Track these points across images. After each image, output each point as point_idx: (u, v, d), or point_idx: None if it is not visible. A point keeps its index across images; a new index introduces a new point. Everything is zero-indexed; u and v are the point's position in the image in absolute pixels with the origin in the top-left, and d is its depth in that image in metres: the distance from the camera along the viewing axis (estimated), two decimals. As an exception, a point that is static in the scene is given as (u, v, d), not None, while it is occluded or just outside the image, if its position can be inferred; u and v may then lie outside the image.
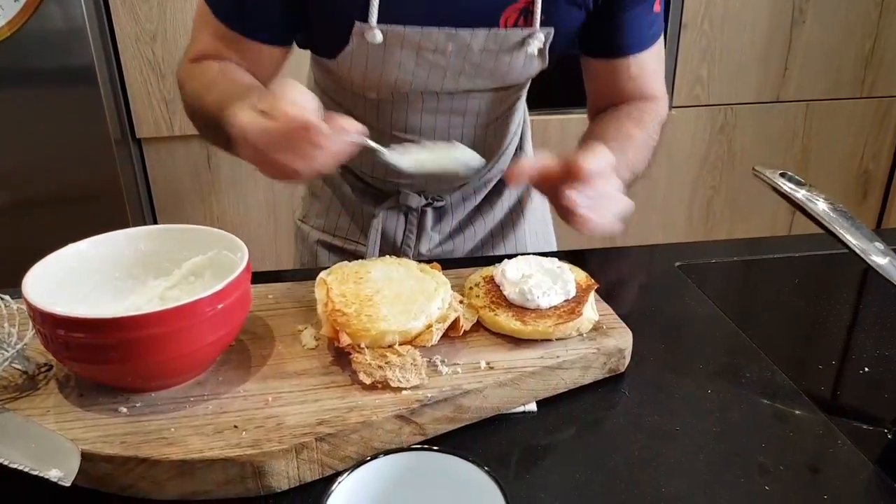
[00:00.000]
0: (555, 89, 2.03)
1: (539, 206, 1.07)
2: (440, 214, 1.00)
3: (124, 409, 0.55)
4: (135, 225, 1.71)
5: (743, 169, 2.16)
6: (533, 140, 1.10)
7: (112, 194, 1.74)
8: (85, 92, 1.65)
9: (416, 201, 0.96)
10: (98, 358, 0.54)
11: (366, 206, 0.98)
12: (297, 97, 0.60)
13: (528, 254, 0.75)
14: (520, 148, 1.06)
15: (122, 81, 1.76)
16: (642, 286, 0.87)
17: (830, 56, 2.07)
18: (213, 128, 0.72)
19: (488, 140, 0.96)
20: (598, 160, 0.65)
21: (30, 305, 0.54)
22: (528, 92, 1.01)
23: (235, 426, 0.53)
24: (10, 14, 1.55)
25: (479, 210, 1.02)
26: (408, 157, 0.68)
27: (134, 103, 1.78)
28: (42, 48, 1.60)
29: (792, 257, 0.91)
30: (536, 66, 0.86)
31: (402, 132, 0.91)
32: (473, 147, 0.91)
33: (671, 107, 2.04)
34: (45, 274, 0.58)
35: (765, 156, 2.15)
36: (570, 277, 0.68)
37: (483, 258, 1.00)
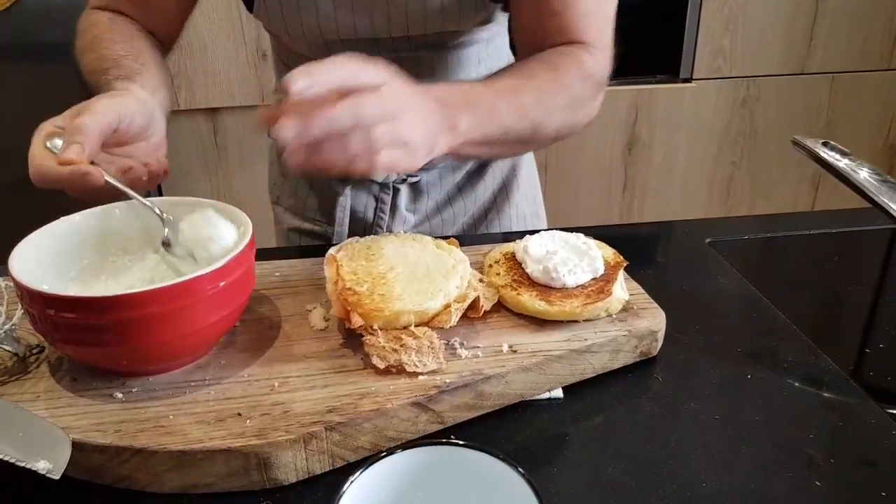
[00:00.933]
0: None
1: (528, 188, 0.98)
2: (415, 193, 0.91)
3: (120, 395, 0.51)
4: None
5: (765, 144, 2.09)
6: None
7: (116, 170, 1.69)
8: (86, 64, 1.60)
9: (381, 177, 0.87)
10: (91, 340, 0.50)
11: (334, 183, 0.90)
12: (32, 156, 0.58)
13: (553, 229, 0.70)
14: None
15: (124, 53, 1.71)
16: (671, 264, 0.82)
17: (857, 27, 1.99)
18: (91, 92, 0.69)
19: None
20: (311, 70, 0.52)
21: (17, 283, 0.50)
22: None
23: (239, 414, 0.49)
24: None
25: (459, 191, 0.93)
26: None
27: (137, 76, 1.73)
28: (43, 19, 1.55)
29: (828, 233, 0.86)
30: (479, 7, 0.76)
31: None
32: None
33: (690, 78, 1.97)
34: (35, 250, 0.54)
35: (788, 130, 2.08)
36: (598, 254, 0.63)
37: (504, 234, 0.94)
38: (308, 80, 0.51)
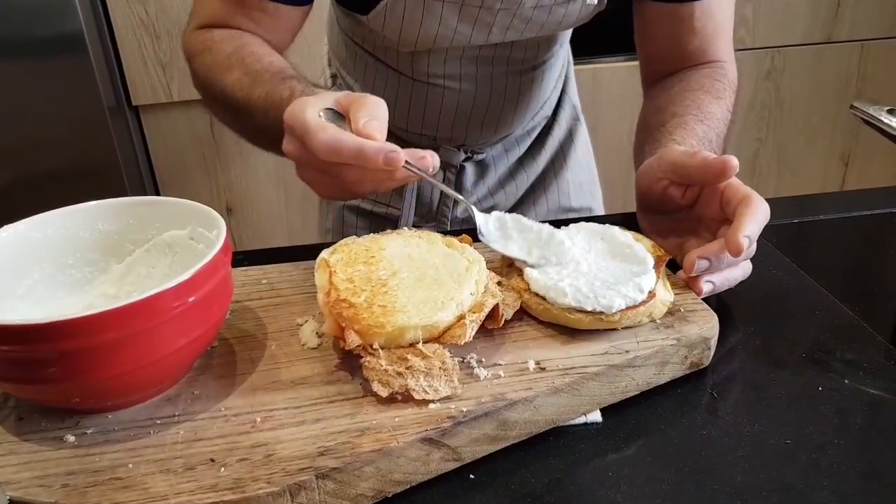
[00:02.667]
0: (598, 36, 1.88)
1: (584, 156, 0.96)
2: (481, 170, 0.89)
3: (72, 438, 0.43)
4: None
5: (792, 118, 1.97)
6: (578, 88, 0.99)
7: (109, 168, 1.61)
8: (75, 58, 1.52)
9: (455, 158, 0.85)
10: (34, 376, 0.41)
11: None
12: (318, 127, 0.52)
13: (571, 220, 0.60)
14: (563, 94, 0.95)
15: (113, 44, 1.62)
16: (714, 254, 0.72)
17: (888, -11, 1.87)
18: (235, 110, 0.65)
19: (531, 87, 0.86)
20: (753, 225, 0.53)
21: (-57, 308, 0.41)
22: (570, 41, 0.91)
23: (212, 459, 0.40)
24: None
25: (520, 163, 0.91)
26: (494, 228, 0.58)
27: (128, 67, 1.64)
28: (26, 14, 1.47)
29: (893, 213, 0.76)
30: (592, 11, 0.76)
31: (438, 79, 0.81)
32: (519, 94, 0.82)
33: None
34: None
35: (815, 102, 1.96)
36: (647, 259, 0.53)
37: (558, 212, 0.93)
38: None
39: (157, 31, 1.63)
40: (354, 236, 0.58)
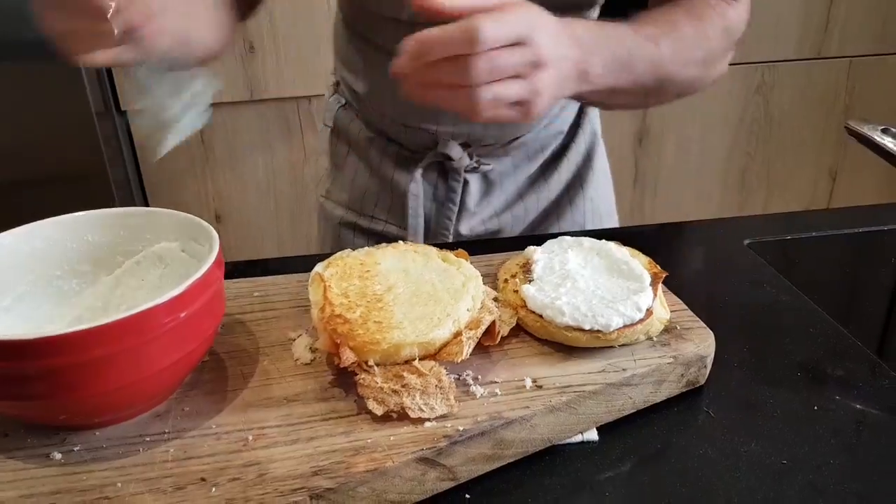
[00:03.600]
0: None
1: (602, 184, 0.90)
2: (487, 186, 0.83)
3: (58, 456, 0.42)
4: (123, 205, 1.57)
5: (781, 132, 1.99)
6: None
7: (95, 174, 1.59)
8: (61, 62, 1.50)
9: (457, 153, 0.79)
10: (19, 392, 0.40)
11: (398, 174, 0.82)
12: None
13: (564, 233, 0.60)
14: (582, 114, 0.87)
15: (102, 48, 1.61)
16: (708, 270, 0.72)
17: (876, 8, 1.89)
18: None
19: None
20: None
21: (-72, 321, 0.40)
22: None
23: (203, 479, 0.40)
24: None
25: (531, 184, 0.85)
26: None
27: (116, 71, 1.63)
28: (11, 17, 1.45)
29: (882, 231, 0.76)
30: None
31: None
32: None
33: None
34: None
35: (804, 117, 1.98)
36: (643, 276, 0.53)
37: (521, 238, 0.83)
38: None
39: (147, 37, 1.62)
40: (349, 249, 0.57)
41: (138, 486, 0.39)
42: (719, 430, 0.48)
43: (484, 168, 0.81)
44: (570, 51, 0.53)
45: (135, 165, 1.74)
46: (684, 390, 0.51)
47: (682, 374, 0.50)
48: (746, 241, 0.74)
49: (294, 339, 0.52)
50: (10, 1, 1.44)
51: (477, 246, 0.69)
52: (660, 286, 0.54)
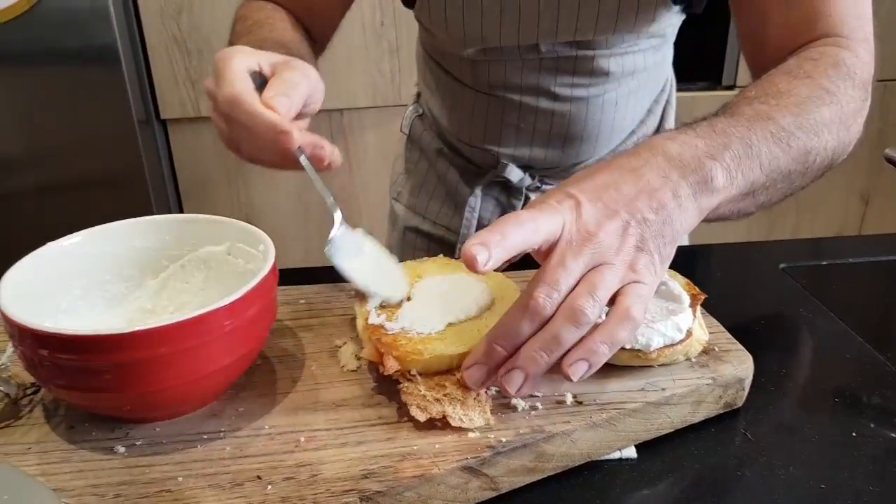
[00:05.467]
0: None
1: None
2: None
3: (122, 449, 0.44)
4: (158, 212, 1.61)
5: (811, 157, 1.98)
6: (677, 121, 0.89)
7: (135, 179, 1.64)
8: (107, 70, 1.55)
9: (516, 176, 0.80)
10: (90, 384, 0.43)
11: (462, 186, 0.85)
12: (232, 78, 0.52)
13: None
14: (659, 131, 0.86)
15: (146, 59, 1.66)
16: (744, 294, 0.73)
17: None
18: None
19: (602, 111, 0.77)
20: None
21: (6, 318, 0.43)
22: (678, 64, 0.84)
23: (259, 476, 0.41)
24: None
25: None
26: (350, 247, 0.55)
27: (158, 82, 1.68)
28: (62, 24, 1.51)
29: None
30: (659, 12, 0.69)
31: (499, 90, 0.78)
32: (588, 115, 0.75)
33: (734, 86, 1.88)
34: (23, 278, 0.47)
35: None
36: (682, 297, 0.54)
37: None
38: (485, 252, 0.42)
39: (188, 49, 1.67)
40: (395, 262, 0.59)
41: (198, 481, 0.41)
42: (757, 452, 0.49)
43: (546, 187, 0.82)
44: (660, 191, 0.46)
45: (171, 172, 1.78)
46: (721, 412, 0.52)
47: (720, 396, 0.51)
48: (782, 266, 0.74)
49: (340, 347, 0.54)
50: (57, 9, 1.49)
51: (522, 261, 0.70)
52: (698, 308, 0.55)
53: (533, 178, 0.82)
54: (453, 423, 0.45)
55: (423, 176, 0.90)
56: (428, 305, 0.51)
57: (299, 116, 0.55)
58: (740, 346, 0.54)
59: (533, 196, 0.82)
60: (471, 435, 0.44)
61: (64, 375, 0.43)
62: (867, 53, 0.59)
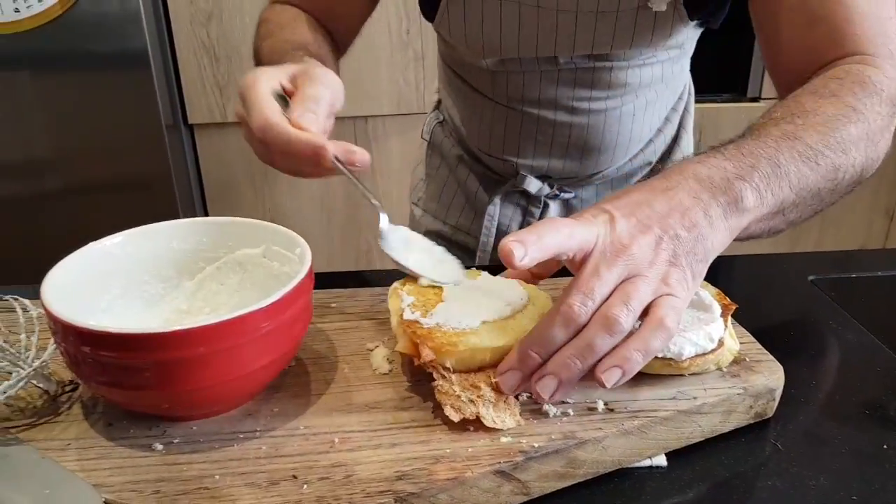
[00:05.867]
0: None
1: None
2: (566, 210, 0.85)
3: (160, 446, 0.45)
4: (184, 215, 1.64)
5: (836, 169, 1.96)
6: (701, 132, 0.92)
7: (162, 182, 1.67)
8: (137, 75, 1.58)
9: (535, 186, 0.82)
10: (131, 382, 0.43)
11: (481, 193, 0.86)
12: (261, 106, 0.54)
13: None
14: (675, 144, 0.86)
15: (175, 64, 1.69)
16: (772, 304, 0.73)
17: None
18: None
19: (620, 122, 0.78)
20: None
21: (50, 315, 0.44)
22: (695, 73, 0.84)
23: (294, 476, 0.42)
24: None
25: None
26: (398, 240, 0.57)
27: (187, 88, 1.71)
28: (94, 29, 1.54)
29: (951, 274, 0.76)
30: (675, 27, 0.69)
31: (518, 102, 0.79)
32: (606, 126, 0.75)
33: (759, 97, 1.87)
34: (66, 277, 0.48)
35: (861, 155, 1.95)
36: (714, 307, 0.54)
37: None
38: (522, 248, 0.43)
39: (216, 55, 1.70)
40: (424, 267, 0.59)
41: (235, 480, 0.42)
42: (787, 462, 0.49)
43: (565, 195, 0.83)
44: (691, 211, 0.46)
45: (198, 176, 1.81)
46: (752, 422, 0.52)
47: (750, 406, 0.51)
48: (810, 278, 0.74)
49: (372, 350, 0.55)
50: (90, 14, 1.52)
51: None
52: (729, 318, 0.55)
53: (552, 186, 0.83)
54: (487, 424, 0.45)
55: (444, 182, 0.91)
56: (462, 304, 0.52)
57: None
58: (771, 357, 0.54)
59: (552, 204, 0.84)
60: (503, 439, 0.45)
61: (105, 373, 0.44)
62: (893, 69, 0.58)
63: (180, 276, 0.58)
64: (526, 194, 0.84)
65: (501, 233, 0.85)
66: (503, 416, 0.46)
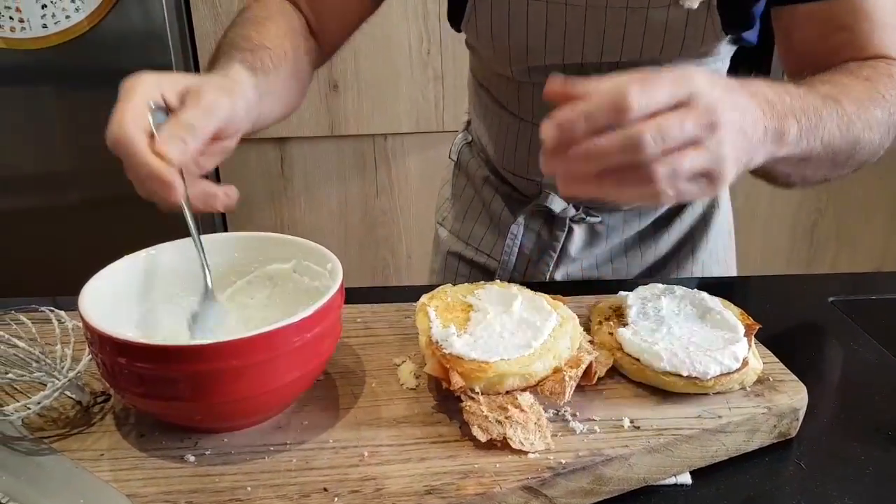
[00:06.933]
0: None
1: (719, 247, 0.86)
2: (591, 237, 0.83)
3: (192, 458, 0.45)
4: (203, 231, 1.65)
5: (853, 190, 1.96)
6: None
7: (182, 197, 1.68)
8: (160, 91, 1.61)
9: (559, 206, 0.80)
10: (166, 393, 0.45)
11: (506, 213, 0.85)
12: (123, 118, 0.49)
13: (649, 281, 0.62)
14: None
15: (197, 81, 1.72)
16: (793, 325, 0.73)
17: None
18: None
19: None
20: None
21: (88, 327, 0.45)
22: None
23: (325, 489, 0.43)
24: (90, 7, 1.52)
25: (640, 240, 0.83)
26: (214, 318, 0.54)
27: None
28: (120, 46, 1.57)
29: (973, 296, 0.76)
30: (707, 34, 0.69)
31: (544, 118, 0.78)
32: None
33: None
34: (102, 289, 0.49)
35: (878, 176, 1.95)
36: (738, 327, 0.54)
37: (611, 282, 0.83)
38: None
39: (238, 72, 1.72)
40: (450, 284, 0.60)
41: (266, 492, 0.42)
42: (811, 482, 0.49)
43: (591, 220, 0.81)
44: (753, 110, 0.48)
45: (217, 190, 1.82)
46: (775, 441, 0.52)
47: (774, 425, 0.51)
48: (831, 299, 0.74)
49: (399, 365, 0.55)
50: (116, 31, 1.55)
51: (567, 286, 0.72)
52: (752, 338, 0.55)
53: (577, 208, 0.82)
54: (514, 446, 0.46)
55: (469, 202, 0.91)
56: (490, 332, 0.52)
57: (216, 140, 0.54)
58: (794, 377, 0.54)
59: (576, 228, 0.82)
60: (531, 456, 0.45)
61: (141, 384, 0.45)
62: None
63: (212, 289, 0.59)
64: (550, 216, 0.82)
65: (523, 255, 0.84)
66: (531, 438, 0.46)
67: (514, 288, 0.59)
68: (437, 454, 0.46)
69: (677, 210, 0.83)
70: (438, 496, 0.42)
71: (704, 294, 0.59)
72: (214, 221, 1.80)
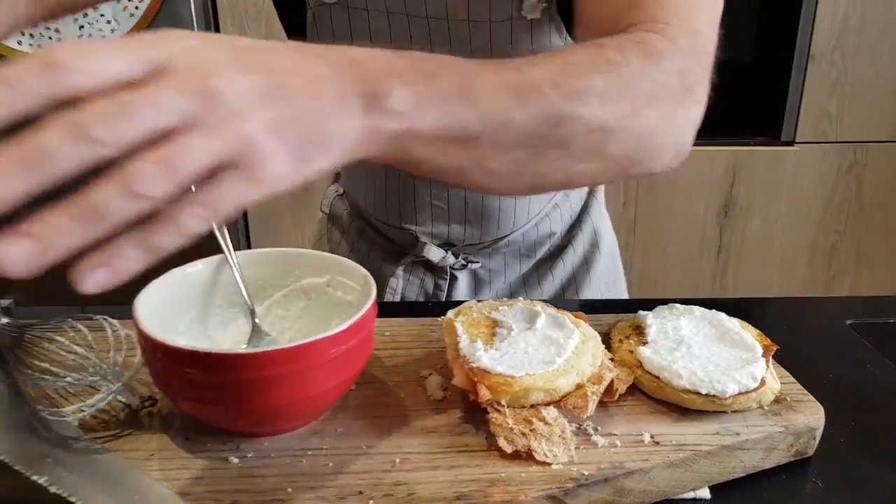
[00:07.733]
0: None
1: (605, 274, 0.86)
2: (476, 283, 0.82)
3: (235, 460, 0.48)
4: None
5: (872, 213, 1.97)
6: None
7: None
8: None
9: (437, 256, 0.78)
10: (212, 398, 0.47)
11: (385, 267, 0.82)
12: None
13: (677, 301, 0.64)
14: (584, 213, 0.83)
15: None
16: (810, 347, 0.74)
17: (978, 93, 1.88)
18: None
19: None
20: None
21: (143, 335, 0.48)
22: None
23: (361, 492, 0.45)
24: (125, 28, 1.58)
25: (524, 283, 0.82)
26: None
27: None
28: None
29: None
30: (554, 41, 0.65)
31: None
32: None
33: (793, 141, 1.89)
34: (153, 300, 0.52)
35: (897, 200, 1.96)
36: (756, 347, 0.56)
37: (629, 302, 0.86)
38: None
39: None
40: (476, 300, 0.63)
41: (306, 493, 0.45)
42: (828, 500, 0.51)
43: (472, 266, 0.80)
44: (308, 70, 0.35)
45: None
46: (792, 459, 0.54)
47: (791, 444, 0.53)
48: (849, 322, 0.76)
49: (426, 377, 0.58)
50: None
51: (585, 307, 0.74)
52: (770, 358, 0.57)
53: (456, 256, 0.79)
54: (538, 458, 0.48)
55: (346, 256, 0.88)
56: (514, 349, 0.54)
57: None
58: (811, 397, 0.56)
59: (459, 275, 0.79)
60: (555, 467, 0.47)
61: (190, 389, 0.48)
62: (689, 46, 0.50)
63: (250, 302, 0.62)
64: (430, 266, 0.79)
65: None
66: (556, 450, 0.48)
67: (538, 305, 0.61)
68: (465, 462, 0.48)
69: (557, 253, 0.82)
70: (467, 502, 0.44)
71: (723, 315, 0.61)
72: (239, 237, 1.84)
